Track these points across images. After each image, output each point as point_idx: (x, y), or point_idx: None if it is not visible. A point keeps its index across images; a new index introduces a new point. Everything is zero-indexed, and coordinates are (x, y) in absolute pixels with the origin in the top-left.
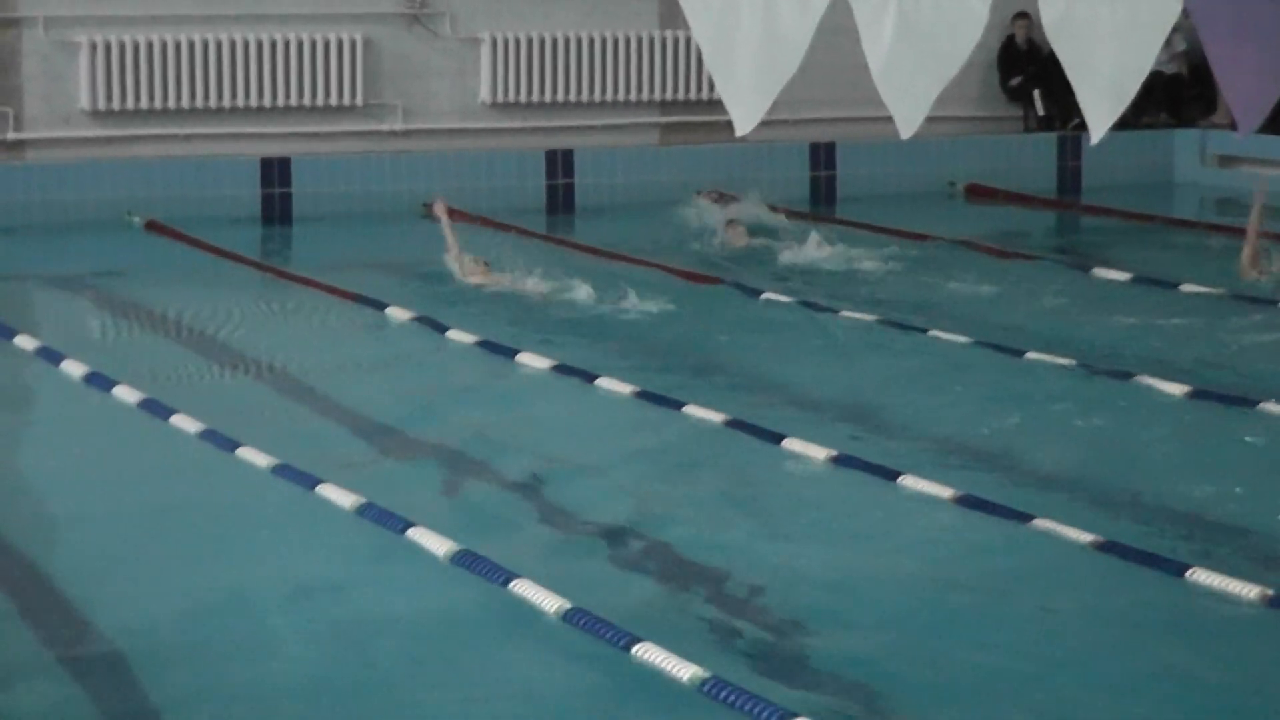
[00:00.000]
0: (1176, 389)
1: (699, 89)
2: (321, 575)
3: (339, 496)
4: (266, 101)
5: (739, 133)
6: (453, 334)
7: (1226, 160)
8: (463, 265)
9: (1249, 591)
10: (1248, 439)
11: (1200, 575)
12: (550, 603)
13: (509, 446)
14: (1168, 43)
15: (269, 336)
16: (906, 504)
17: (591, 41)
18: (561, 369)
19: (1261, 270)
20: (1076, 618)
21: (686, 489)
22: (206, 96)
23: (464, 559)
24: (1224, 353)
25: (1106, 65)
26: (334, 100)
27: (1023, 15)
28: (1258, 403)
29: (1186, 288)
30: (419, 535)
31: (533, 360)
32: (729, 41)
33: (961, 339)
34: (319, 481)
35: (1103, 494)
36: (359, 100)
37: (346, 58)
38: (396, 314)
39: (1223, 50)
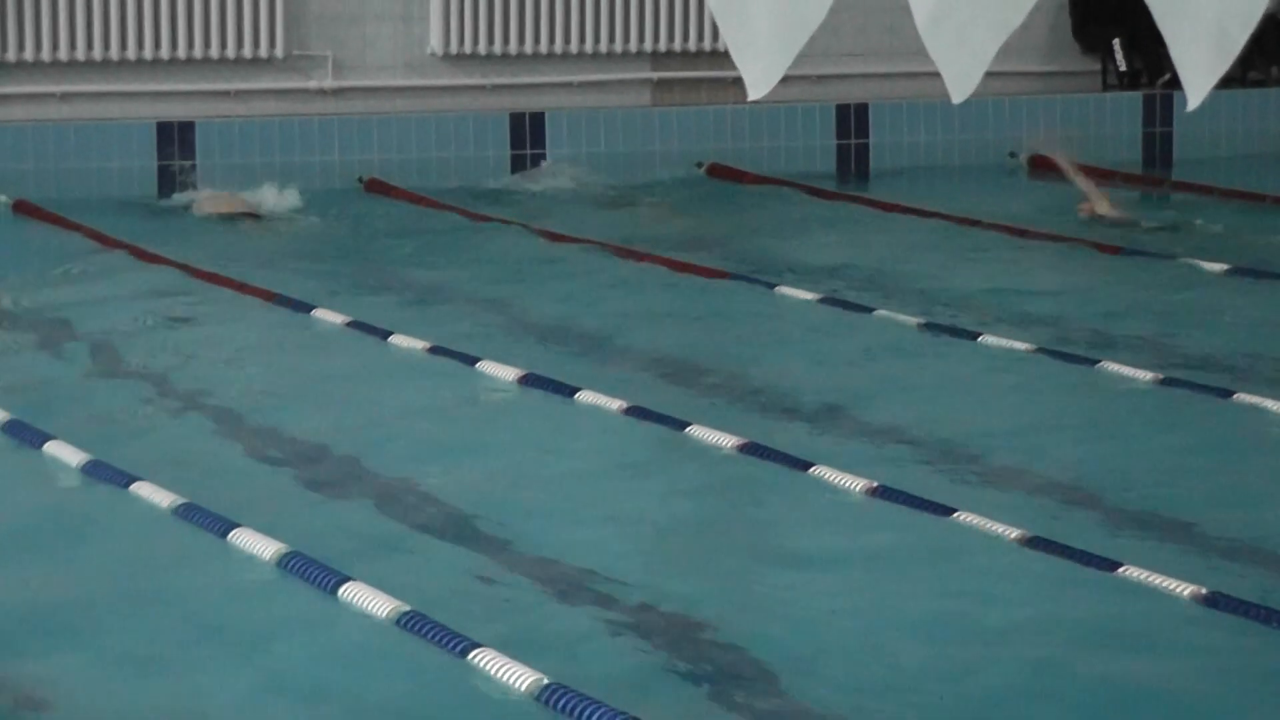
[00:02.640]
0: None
1: (700, 36)
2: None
3: (259, 543)
4: (164, 53)
5: (752, 96)
6: (397, 339)
7: None
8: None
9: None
10: None
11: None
12: (524, 678)
13: (470, 474)
14: None
15: (160, 344)
16: (965, 542)
17: None
18: (532, 380)
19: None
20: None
21: (686, 529)
22: (90, 47)
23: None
24: None
25: (1207, 9)
26: (248, 52)
27: None
28: None
29: None
30: (355, 593)
31: (498, 370)
32: None
33: (1020, 346)
34: (235, 526)
35: (1194, 535)
36: (278, 51)
37: (263, 0)
38: (325, 317)
39: None
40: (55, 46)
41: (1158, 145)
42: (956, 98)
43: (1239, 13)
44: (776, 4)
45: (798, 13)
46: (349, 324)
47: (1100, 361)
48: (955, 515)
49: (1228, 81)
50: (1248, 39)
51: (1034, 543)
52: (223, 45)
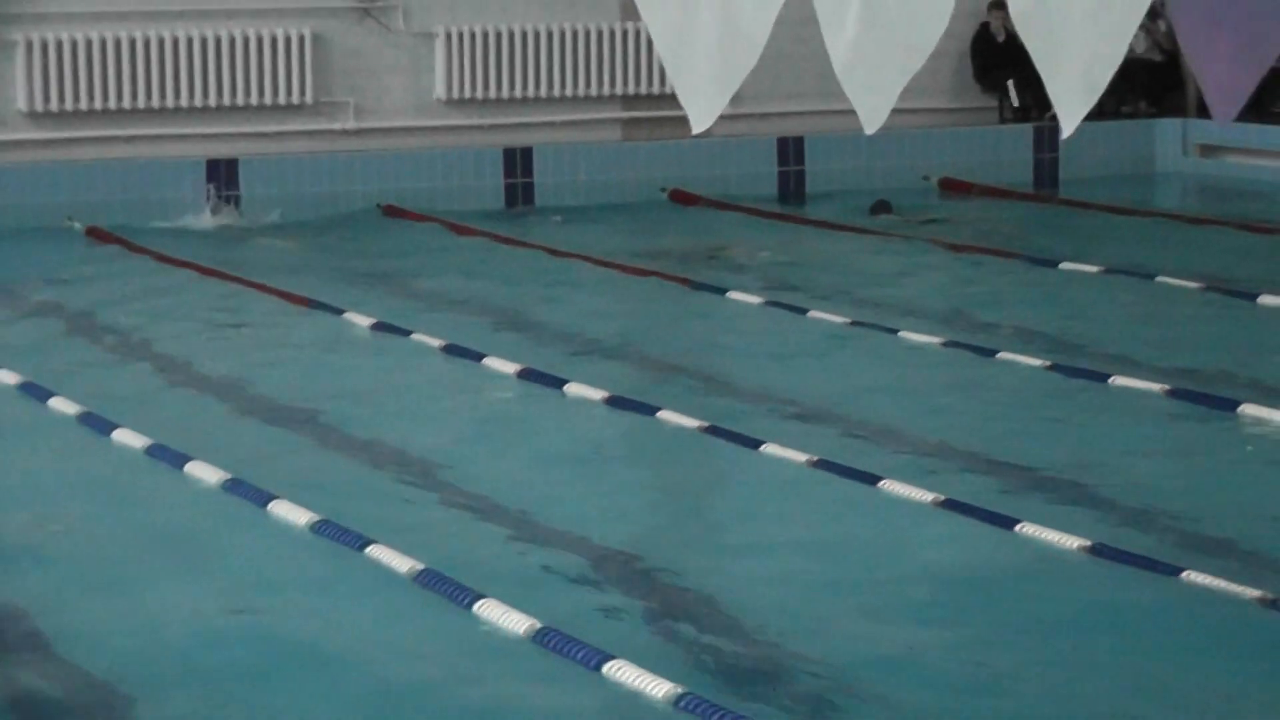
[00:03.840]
0: (1155, 387)
1: (662, 82)
2: (278, 594)
3: (293, 514)
4: (212, 101)
5: (695, 129)
6: (417, 337)
7: (1209, 150)
8: None
9: (1248, 593)
10: (1229, 439)
11: (1194, 576)
12: (519, 623)
13: (477, 456)
14: (1149, 30)
15: (219, 346)
16: (889, 509)
17: (550, 34)
18: (528, 374)
19: None
20: (1067, 621)
21: (660, 496)
22: (149, 96)
23: (427, 578)
24: (1202, 348)
25: (1077, 54)
26: (282, 99)
27: (1000, 5)
28: (1239, 403)
29: (1162, 280)
30: (379, 553)
31: (500, 364)
32: (685, 35)
33: (934, 340)
34: (272, 498)
35: (1085, 496)
36: (309, 98)
37: (295, 54)
38: (356, 319)
39: (1197, 36)
40: (120, 96)
41: (1046, 169)
42: (869, 129)
43: (1104, 56)
44: (714, 51)
45: (733, 58)
46: (375, 325)
47: (999, 352)
48: (881, 484)
49: (1104, 114)
50: (1117, 78)
51: (947, 504)
52: (261, 94)
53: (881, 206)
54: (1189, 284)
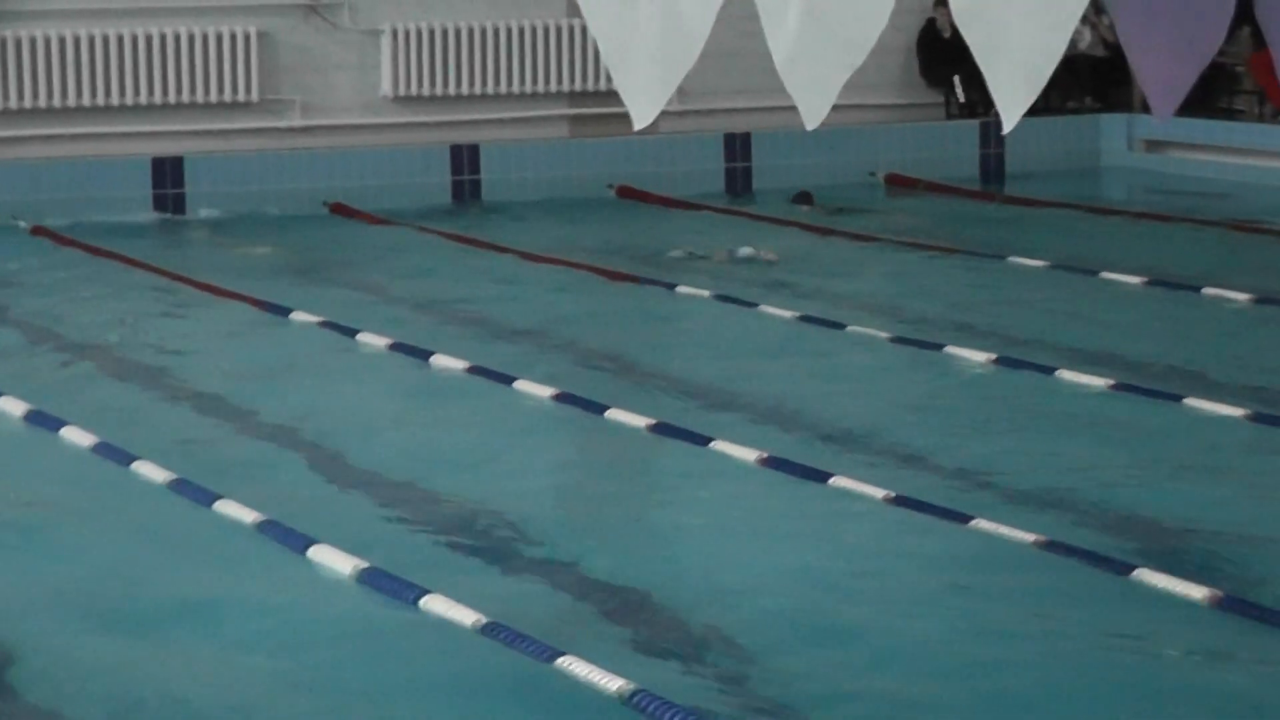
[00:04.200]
0: (1100, 381)
1: (609, 79)
2: (225, 591)
3: (239, 512)
4: (158, 98)
5: (637, 126)
6: (363, 337)
7: (1154, 145)
8: None
9: (1196, 593)
10: (1174, 433)
11: (1146, 575)
12: (467, 616)
13: (422, 453)
14: (1094, 25)
15: (166, 344)
16: (838, 505)
17: (497, 31)
18: (477, 370)
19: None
20: (1017, 617)
21: (610, 494)
22: (95, 94)
23: (371, 576)
24: (1146, 342)
25: (1018, 50)
26: (229, 96)
27: (945, 1)
28: (1183, 397)
29: (1107, 275)
30: (321, 553)
31: (449, 362)
32: (626, 33)
33: (881, 334)
34: (217, 497)
35: (1036, 491)
36: (255, 96)
37: (241, 51)
38: (303, 317)
39: (1136, 32)
40: (65, 95)
41: (992, 164)
42: (810, 125)
43: (1044, 50)
44: (655, 48)
45: (674, 55)
46: (322, 323)
47: (945, 346)
48: (831, 480)
49: (1050, 109)
50: (1062, 73)
51: (898, 501)
52: (207, 91)
53: (803, 198)
54: (1132, 279)
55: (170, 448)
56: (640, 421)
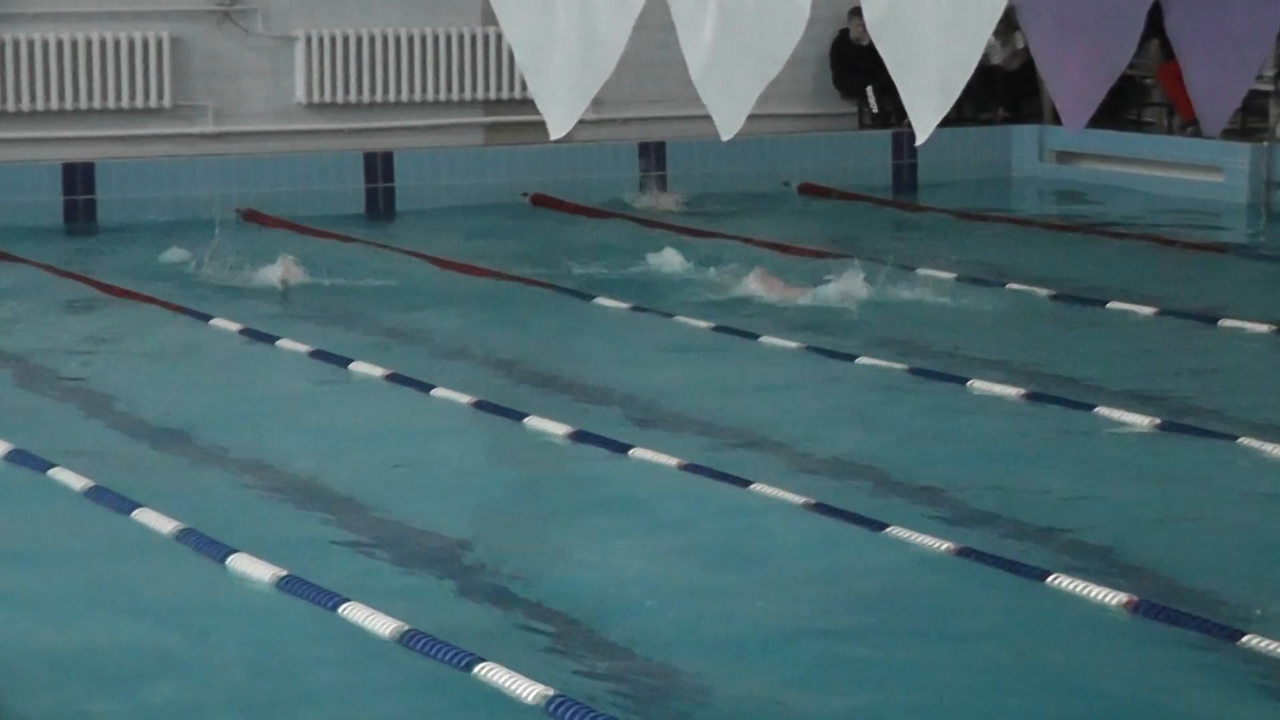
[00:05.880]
0: (1012, 391)
1: (524, 87)
2: (145, 602)
3: (157, 521)
4: (69, 104)
5: (553, 135)
6: (282, 343)
7: (1065, 156)
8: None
9: (1112, 598)
10: (1084, 441)
11: (1063, 581)
12: (385, 625)
13: (339, 460)
14: (1008, 39)
15: (77, 348)
16: (757, 512)
17: (411, 38)
18: (396, 377)
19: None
20: (932, 622)
21: (530, 501)
22: (4, 99)
23: (290, 584)
24: (1055, 352)
25: (931, 62)
26: (140, 102)
27: (860, 11)
28: (1094, 406)
29: (1012, 286)
30: (240, 562)
31: (367, 369)
32: (542, 42)
33: (794, 344)
34: (136, 505)
35: (950, 498)
36: (167, 102)
37: (153, 57)
38: (222, 324)
39: (1048, 45)
40: None
41: (905, 174)
42: (725, 135)
43: (957, 64)
44: (572, 58)
45: (591, 65)
46: (242, 331)
47: (858, 357)
48: (751, 486)
49: (963, 120)
50: (976, 85)
51: (817, 508)
52: (119, 97)
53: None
54: (1040, 290)
55: (84, 454)
56: (559, 429)
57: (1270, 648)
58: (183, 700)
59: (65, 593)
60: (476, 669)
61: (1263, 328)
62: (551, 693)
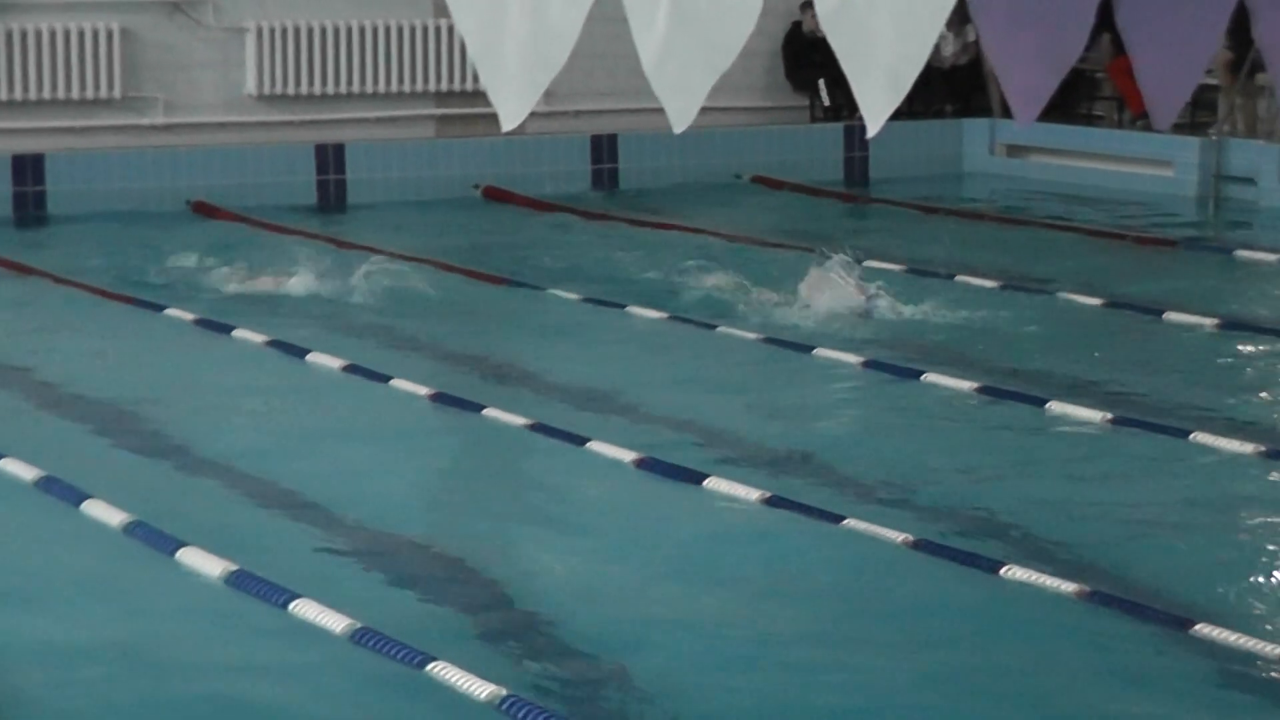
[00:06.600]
0: (965, 384)
1: (476, 79)
2: (92, 596)
3: (106, 513)
4: (18, 95)
5: (505, 128)
6: (238, 334)
7: (1015, 150)
8: None
9: (1065, 587)
10: (1036, 435)
11: (1016, 571)
12: (337, 622)
13: (295, 453)
14: (960, 33)
15: (25, 343)
16: (713, 506)
17: (363, 30)
18: (354, 369)
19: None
20: (889, 613)
21: (485, 495)
22: None
23: (240, 579)
24: (1006, 345)
25: (882, 55)
26: (90, 94)
27: (811, 4)
28: (1046, 400)
29: (962, 279)
30: (190, 556)
31: (325, 360)
32: (494, 33)
33: (750, 335)
34: (86, 497)
35: (905, 491)
36: (117, 93)
37: (103, 48)
38: (177, 315)
39: (999, 39)
40: None
41: (856, 167)
42: (677, 128)
43: (908, 57)
44: (524, 50)
45: (542, 57)
46: (197, 321)
47: (814, 347)
48: (706, 481)
49: (914, 114)
50: (926, 79)
51: (772, 501)
52: (68, 88)
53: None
54: (989, 282)
55: (37, 447)
56: (517, 421)
57: (1220, 636)
58: (128, 696)
59: (9, 585)
60: (429, 667)
61: (1210, 321)
62: (504, 692)
